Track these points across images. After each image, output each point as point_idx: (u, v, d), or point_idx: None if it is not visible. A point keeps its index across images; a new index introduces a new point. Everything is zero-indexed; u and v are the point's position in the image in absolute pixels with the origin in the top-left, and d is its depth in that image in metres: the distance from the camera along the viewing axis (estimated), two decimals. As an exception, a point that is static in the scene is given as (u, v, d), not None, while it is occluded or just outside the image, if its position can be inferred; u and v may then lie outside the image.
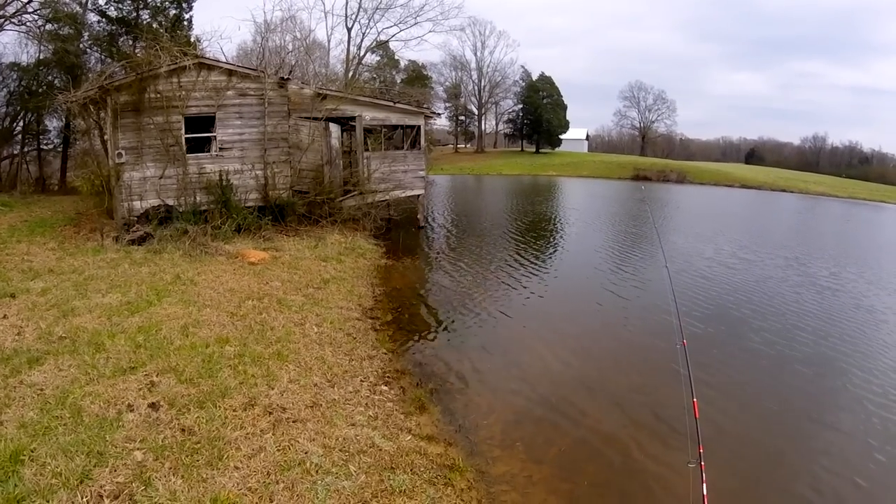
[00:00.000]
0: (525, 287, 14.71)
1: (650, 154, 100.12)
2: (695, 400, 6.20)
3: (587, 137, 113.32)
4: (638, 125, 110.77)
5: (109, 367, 7.03)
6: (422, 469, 6.50)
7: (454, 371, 9.50)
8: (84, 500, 4.70)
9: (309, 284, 11.90)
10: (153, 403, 6.23)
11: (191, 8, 32.44)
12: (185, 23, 31.90)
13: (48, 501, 4.64)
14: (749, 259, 20.41)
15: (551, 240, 22.90)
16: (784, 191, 59.61)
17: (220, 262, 11.90)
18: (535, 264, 17.42)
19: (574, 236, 23.97)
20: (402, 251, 17.33)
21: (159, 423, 5.91)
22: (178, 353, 7.44)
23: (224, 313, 9.26)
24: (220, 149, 16.86)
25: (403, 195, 21.78)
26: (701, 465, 5.56)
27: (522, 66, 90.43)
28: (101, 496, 4.76)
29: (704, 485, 5.39)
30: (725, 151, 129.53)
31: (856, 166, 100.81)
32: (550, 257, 19.08)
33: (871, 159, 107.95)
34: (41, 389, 6.46)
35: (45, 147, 33.70)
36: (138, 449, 5.45)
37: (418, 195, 22.37)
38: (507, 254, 18.64)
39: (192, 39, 27.71)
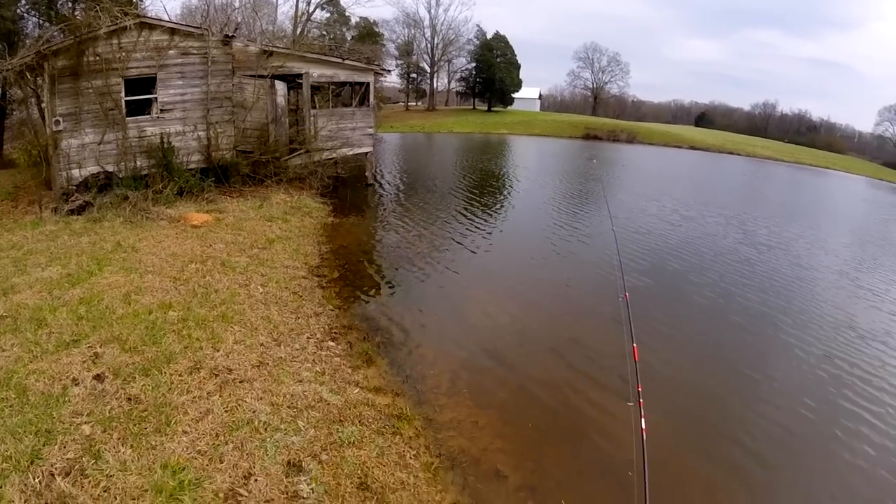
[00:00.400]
0: (472, 242, 14.85)
1: (602, 114, 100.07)
2: (634, 345, 6.47)
3: (540, 97, 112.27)
4: (591, 86, 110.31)
5: (52, 342, 6.91)
6: (370, 420, 6.62)
7: (401, 324, 9.62)
8: (36, 480, 4.69)
9: (254, 245, 11.76)
10: (98, 375, 6.17)
11: (133, -34, 30.84)
12: (126, -19, 30.34)
13: (0, 486, 4.60)
14: (691, 217, 21.01)
15: (500, 197, 23.00)
16: (732, 153, 60.90)
17: (161, 227, 11.62)
18: (483, 220, 17.54)
19: (522, 193, 24.14)
20: (349, 209, 17.19)
21: (105, 395, 5.86)
22: (121, 322, 7.33)
23: (167, 278, 9.10)
24: (162, 111, 16.23)
25: (351, 153, 21.43)
26: (640, 402, 5.84)
27: (477, 25, 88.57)
28: (53, 475, 4.74)
29: (644, 419, 5.66)
30: (676, 114, 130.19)
31: (804, 133, 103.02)
32: (498, 214, 19.22)
33: (819, 128, 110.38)
34: (-16, 372, 6.32)
35: (-21, 118, 32.09)
36: (86, 423, 5.41)
37: (366, 153, 22.04)
38: (456, 210, 18.68)
39: (133, -1, 26.46)
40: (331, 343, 8.44)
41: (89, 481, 4.73)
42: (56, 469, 4.79)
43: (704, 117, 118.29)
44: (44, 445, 5.08)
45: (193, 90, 16.72)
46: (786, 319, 11.59)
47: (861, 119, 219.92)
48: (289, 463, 5.56)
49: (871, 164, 78.56)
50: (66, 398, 5.78)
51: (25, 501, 4.49)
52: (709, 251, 16.14)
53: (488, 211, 19.14)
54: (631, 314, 7.30)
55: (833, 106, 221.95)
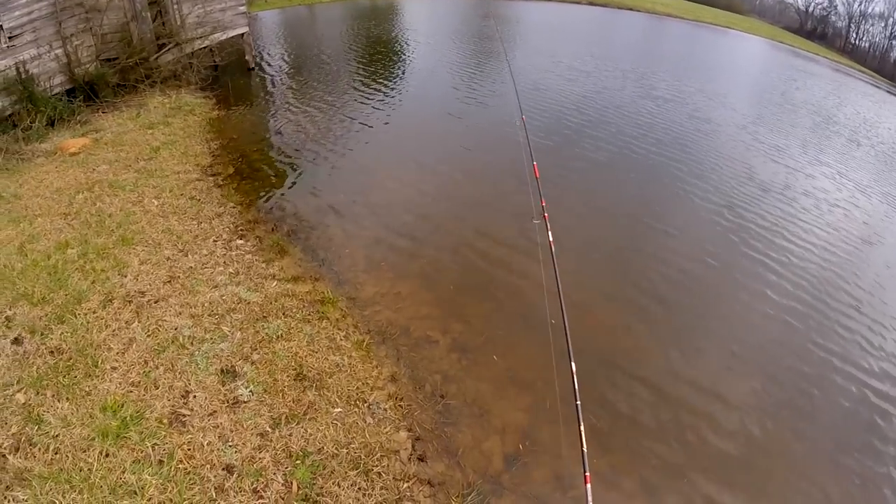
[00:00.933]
0: (368, 118, 14.49)
1: None
2: (535, 163, 6.69)
3: None
4: None
5: (-43, 313, 6.59)
6: (294, 310, 6.80)
7: (307, 210, 9.61)
8: (-13, 464, 4.62)
9: (139, 158, 11.17)
10: (16, 338, 5.98)
11: None
12: None
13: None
14: (589, 72, 20.87)
15: (394, 66, 21.87)
16: (631, 9, 58.12)
17: (39, 165, 10.80)
18: (379, 94, 16.92)
19: (417, 59, 23.04)
20: (234, 99, 16.26)
21: (28, 356, 5.74)
22: (23, 276, 7.03)
23: (57, 216, 8.63)
24: (10, 38, 14.52)
25: (225, 37, 19.67)
26: (545, 216, 6.15)
27: None
28: (4, 455, 4.66)
29: (550, 233, 6.00)
30: None
31: None
32: (394, 84, 18.45)
33: None
34: None
35: None
36: (18, 391, 5.32)
37: (242, 34, 20.35)
38: (348, 86, 17.82)
39: None
40: (239, 241, 8.42)
41: (38, 448, 4.72)
42: (5, 448, 4.73)
43: None
44: (-17, 426, 4.99)
45: (40, 4, 14.83)
46: (685, 170, 12.03)
47: None
48: (222, 371, 5.74)
49: (770, 27, 77.43)
50: (-11, 369, 5.63)
51: None
52: (608, 105, 16.25)
53: (383, 82, 18.40)
54: (529, 136, 7.48)
55: None
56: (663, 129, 14.80)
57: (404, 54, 24.78)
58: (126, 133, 12.56)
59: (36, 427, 4.93)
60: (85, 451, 4.73)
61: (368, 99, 16.32)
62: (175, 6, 17.99)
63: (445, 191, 10.53)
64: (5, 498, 4.33)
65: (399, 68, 21.50)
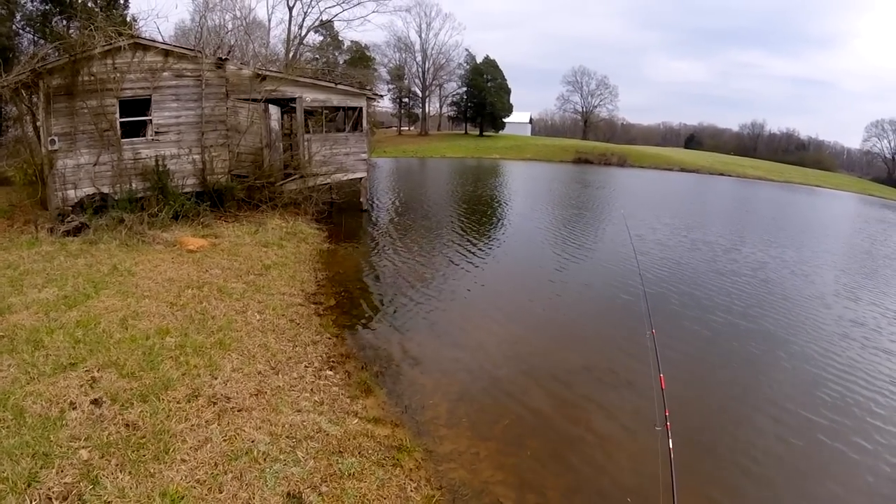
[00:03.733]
0: (469, 269, 14.95)
1: (592, 138, 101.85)
2: (662, 375, 6.55)
3: (531, 121, 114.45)
4: (580, 109, 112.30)
5: (49, 364, 6.91)
6: (370, 451, 6.61)
7: (399, 353, 9.63)
8: (33, 503, 4.68)
9: (250, 271, 11.81)
10: (96, 400, 6.17)
11: (126, -15, 31.20)
12: (121, 1, 30.71)
13: (-5, 508, 4.59)
14: (695, 242, 21.02)
15: (495, 222, 23.15)
16: (722, 174, 61.71)
17: (158, 251, 11.67)
18: (480, 247, 17.63)
19: (518, 218, 24.29)
20: (344, 235, 17.26)
21: (103, 420, 5.86)
22: (119, 346, 7.36)
23: (164, 303, 9.13)
24: (156, 133, 16.39)
25: (346, 178, 21.63)
26: (667, 425, 5.90)
27: (467, 49, 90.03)
28: (50, 498, 4.73)
29: (670, 440, 5.71)
30: (666, 136, 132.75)
31: (793, 152, 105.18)
32: (495, 240, 19.30)
33: (807, 146, 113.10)
34: (-19, 392, 6.32)
35: (-26, 135, 32.20)
36: (83, 447, 5.41)
37: (361, 178, 22.25)
38: (452, 236, 18.79)
39: (127, 19, 26.72)
40: (329, 372, 8.45)
41: None
42: (54, 493, 4.78)
43: (694, 139, 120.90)
44: (41, 468, 5.07)
45: (188, 113, 16.90)
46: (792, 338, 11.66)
47: (848, 135, 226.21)
48: (289, 494, 5.54)
49: (858, 181, 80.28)
50: (64, 422, 5.78)
51: None
52: (712, 272, 16.23)
53: (485, 237, 19.25)
54: (657, 347, 7.35)
55: (820, 123, 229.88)
56: (774, 300, 14.32)
57: (507, 213, 25.92)
58: (242, 245, 13.37)
59: (91, 486, 4.92)
60: (133, 528, 4.60)
61: (471, 252, 16.88)
62: (306, 143, 19.97)
63: (538, 356, 10.32)
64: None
65: (498, 225, 22.44)
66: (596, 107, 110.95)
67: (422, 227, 19.79)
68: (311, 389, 7.76)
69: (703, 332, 11.65)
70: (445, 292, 12.94)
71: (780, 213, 35.22)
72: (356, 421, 7.26)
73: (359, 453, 6.53)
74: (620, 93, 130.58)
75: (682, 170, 62.79)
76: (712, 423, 8.32)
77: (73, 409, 6.03)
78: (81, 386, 6.48)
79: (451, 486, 6.48)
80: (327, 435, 6.70)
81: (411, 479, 6.34)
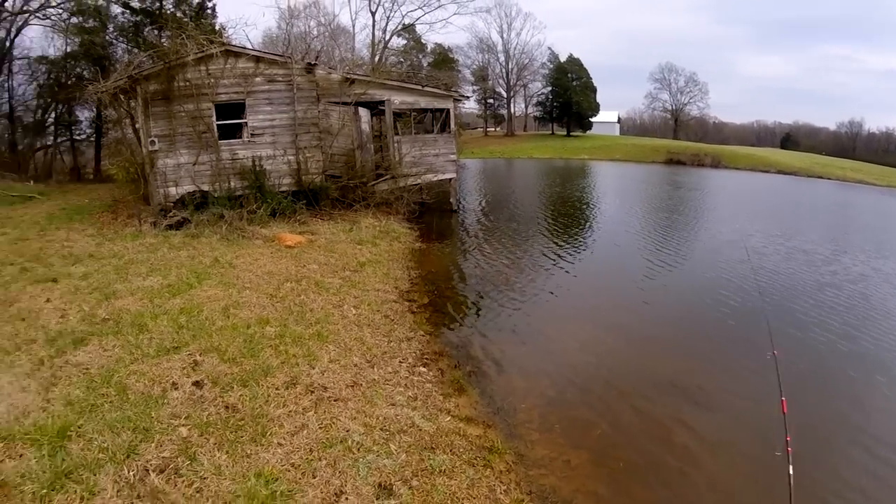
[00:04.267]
0: (563, 270, 14.57)
1: (683, 137, 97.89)
2: (784, 399, 6.10)
3: (619, 120, 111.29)
4: (670, 108, 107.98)
5: (153, 347, 7.14)
6: (461, 450, 6.48)
7: (492, 353, 9.45)
8: (131, 473, 4.79)
9: (345, 267, 11.95)
10: (197, 382, 6.33)
11: (213, -5, 32.62)
12: (209, 11, 32.12)
13: (95, 475, 4.73)
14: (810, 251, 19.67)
15: (584, 224, 22.61)
16: (820, 177, 58.06)
17: (257, 246, 12.04)
18: (572, 248, 17.22)
19: (609, 220, 23.57)
20: (435, 235, 17.32)
21: (203, 401, 5.99)
22: (220, 333, 7.55)
23: (263, 295, 9.35)
24: (252, 135, 16.99)
25: (435, 179, 21.70)
26: (788, 450, 5.48)
27: (549, 48, 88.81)
28: (147, 470, 4.85)
29: (791, 466, 5.29)
30: (760, 136, 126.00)
31: (893, 153, 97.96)
32: (585, 242, 18.78)
33: None
34: (87, 369, 6.59)
35: (77, 137, 34.50)
36: (183, 425, 5.53)
37: (450, 179, 22.26)
38: (541, 237, 18.47)
39: (216, 27, 27.94)
40: (422, 369, 8.37)
41: (183, 481, 4.82)
42: (151, 465, 4.91)
43: (790, 138, 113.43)
44: (141, 442, 5.22)
45: (281, 116, 17.43)
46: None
47: None
48: (380, 485, 5.47)
49: None
50: (165, 400, 5.94)
51: (118, 492, 4.60)
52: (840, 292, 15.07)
53: (576, 241, 18.72)
54: (780, 370, 6.86)
55: None
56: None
57: (592, 215, 25.24)
58: (338, 243, 13.60)
59: (188, 462, 5.03)
60: (225, 504, 4.67)
61: (563, 253, 16.47)
62: (396, 144, 20.12)
63: (634, 366, 9.81)
64: (132, 504, 4.41)
65: (587, 228, 21.83)
66: (686, 105, 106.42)
67: (511, 228, 19.60)
68: (405, 385, 7.70)
69: (817, 351, 10.84)
70: (536, 295, 12.64)
71: (885, 221, 32.79)
72: (448, 419, 7.14)
73: (450, 451, 6.41)
74: (711, 90, 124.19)
75: (780, 172, 59.46)
76: (833, 451, 7.69)
77: (175, 389, 6.18)
78: (184, 368, 6.65)
79: (540, 492, 6.26)
80: (420, 430, 6.61)
81: (501, 482, 6.16)
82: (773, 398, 6.30)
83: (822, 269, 16.46)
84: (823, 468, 7.04)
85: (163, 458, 5.03)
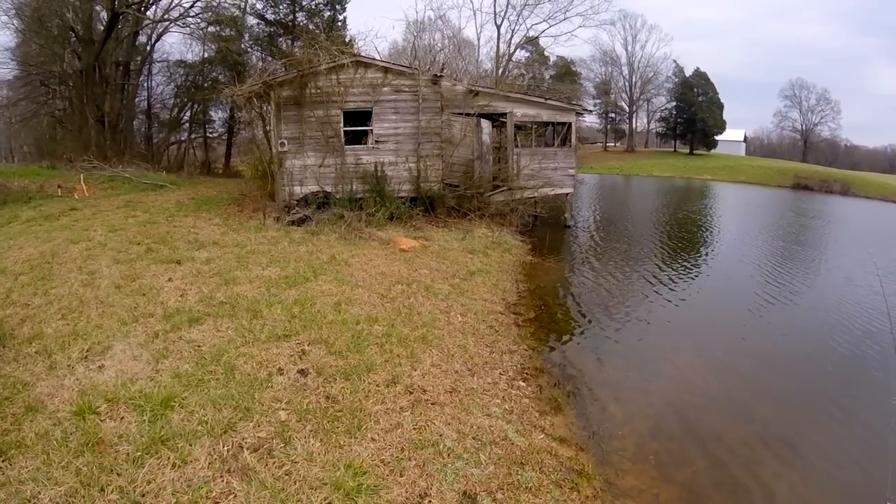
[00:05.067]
0: (672, 299, 13.91)
1: (812, 160, 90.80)
2: None
3: (745, 139, 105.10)
4: (800, 128, 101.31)
5: (265, 332, 7.45)
6: (550, 469, 6.33)
7: (593, 375, 9.18)
8: (225, 448, 5.01)
9: (455, 275, 12.04)
10: (302, 370, 6.55)
11: (344, 9, 34.31)
12: (340, 23, 33.68)
13: (191, 445, 4.98)
14: None
15: (705, 250, 21.54)
16: None
17: (372, 247, 12.41)
18: (686, 275, 16.43)
19: (728, 248, 22.37)
20: (547, 249, 17.09)
21: (306, 389, 6.19)
22: (330, 326, 7.84)
23: (374, 294, 9.61)
24: (376, 142, 17.59)
25: (552, 193, 21.47)
26: None
27: (675, 62, 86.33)
28: (242, 447, 5.05)
29: None
30: (894, 162, 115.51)
31: None
32: (703, 269, 17.81)
33: None
34: (198, 346, 6.98)
35: (210, 135, 37.21)
36: (283, 409, 5.73)
37: (566, 194, 21.96)
38: (656, 261, 17.73)
39: (347, 39, 29.15)
40: (521, 383, 8.26)
41: (274, 462, 4.97)
42: (246, 443, 5.11)
43: None
44: (240, 420, 5.44)
45: (405, 125, 17.91)
46: None
47: None
48: (464, 493, 5.42)
49: None
50: (270, 384, 6.18)
51: (209, 464, 4.80)
52: None
53: (691, 265, 17.86)
54: None
55: None
56: None
57: (708, 239, 24.04)
58: (450, 250, 13.76)
59: (283, 445, 5.20)
60: (312, 490, 4.78)
61: (669, 277, 15.73)
62: (515, 156, 20.09)
63: (745, 401, 9.28)
64: (222, 478, 4.63)
65: (701, 252, 20.76)
66: (816, 125, 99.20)
67: (624, 248, 19.07)
68: (503, 397, 7.61)
69: None
70: (644, 320, 12.16)
71: None
72: (542, 436, 7.00)
73: (539, 469, 6.27)
74: (843, 109, 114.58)
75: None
76: None
77: (280, 374, 6.42)
78: (291, 356, 6.90)
79: (624, 522, 6.03)
80: (512, 444, 6.51)
81: (586, 507, 5.98)
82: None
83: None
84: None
85: (259, 437, 5.22)
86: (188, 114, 35.87)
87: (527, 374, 8.60)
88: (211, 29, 31.68)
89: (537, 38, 54.59)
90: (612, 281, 14.77)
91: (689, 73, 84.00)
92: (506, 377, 8.21)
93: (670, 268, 16.96)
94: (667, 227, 24.83)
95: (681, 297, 14.02)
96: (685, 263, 17.97)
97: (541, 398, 7.97)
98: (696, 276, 16.67)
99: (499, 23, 49.79)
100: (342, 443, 5.46)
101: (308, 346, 7.10)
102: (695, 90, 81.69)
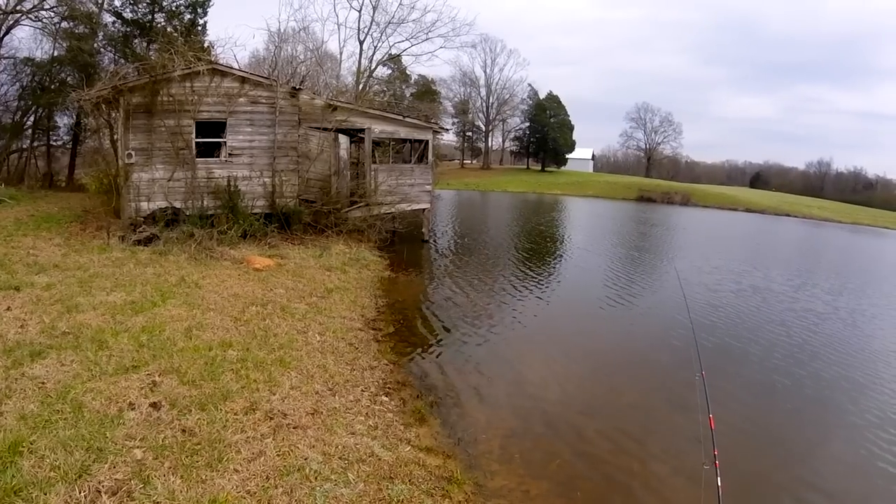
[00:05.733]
0: (527, 305, 14.73)
1: (655, 175, 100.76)
2: (711, 416, 6.27)
3: (593, 157, 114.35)
4: (644, 146, 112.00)
5: (112, 364, 7.04)
6: (420, 480, 6.48)
7: (455, 384, 9.49)
8: (82, 494, 4.70)
9: (313, 293, 11.94)
10: (155, 403, 6.24)
11: (206, 13, 32.80)
12: (200, 28, 32.23)
13: (46, 494, 4.64)
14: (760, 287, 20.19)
15: (555, 258, 22.97)
16: (788, 215, 60.07)
17: (225, 267, 12.00)
18: (539, 282, 17.43)
19: (578, 256, 23.96)
20: (406, 264, 17.42)
21: (160, 423, 5.92)
22: (181, 354, 7.50)
23: (228, 318, 9.30)
24: (230, 154, 16.99)
25: (409, 208, 21.87)
26: (716, 464, 5.62)
27: (530, 85, 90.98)
28: (100, 492, 4.76)
29: (719, 479, 5.42)
30: (731, 174, 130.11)
31: (860, 192, 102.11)
32: (553, 277, 19.06)
33: (875, 185, 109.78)
34: (42, 383, 6.47)
35: (54, 143, 34.10)
36: (138, 447, 5.45)
37: (424, 209, 22.47)
38: (511, 270, 18.67)
39: (205, 45, 27.97)
40: (384, 398, 8.37)
41: None
42: (103, 487, 4.83)
43: (759, 178, 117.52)
44: (94, 462, 5.13)
45: (261, 138, 17.48)
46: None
47: None
48: (337, 514, 5.45)
49: None
50: (121, 420, 5.85)
51: None
52: (773, 323, 15.49)
53: (544, 273, 19.02)
54: (707, 390, 7.06)
55: (887, 159, 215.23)
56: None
57: (566, 251, 25.71)
58: (307, 268, 13.60)
59: (142, 485, 4.95)
60: (179, 531, 4.58)
61: (529, 287, 16.67)
62: (373, 172, 20.27)
63: (590, 395, 9.97)
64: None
65: (555, 262, 22.20)
66: (659, 143, 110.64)
67: (482, 260, 19.89)
68: (367, 413, 7.69)
69: (747, 378, 11.17)
70: (502, 327, 12.79)
71: (844, 257, 33.67)
72: (408, 448, 7.15)
73: (409, 481, 6.40)
74: (686, 130, 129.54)
75: (748, 210, 61.42)
76: (760, 465, 7.92)
77: (132, 409, 6.09)
78: (142, 388, 6.56)
79: (498, 523, 6.30)
80: (379, 460, 6.60)
81: (459, 512, 6.18)
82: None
83: (775, 306, 16.94)
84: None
85: (116, 479, 4.95)
86: (32, 118, 32.72)
87: (389, 388, 8.74)
88: (64, 24, 29.27)
89: (399, 55, 55.05)
90: (471, 292, 15.31)
91: (542, 95, 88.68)
92: (368, 393, 8.28)
93: (526, 277, 17.87)
94: (522, 239, 26.06)
95: (536, 304, 14.87)
96: (541, 272, 19.00)
97: (405, 411, 8.13)
98: (553, 283, 17.71)
99: (362, 38, 49.62)
100: (204, 477, 5.29)
101: (159, 376, 6.78)
102: (547, 112, 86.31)
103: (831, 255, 34.45)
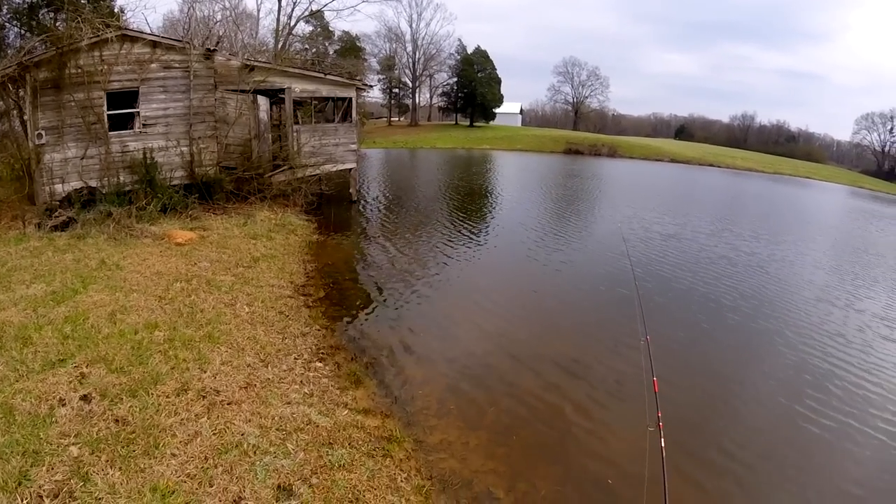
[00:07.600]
0: (459, 260, 14.99)
1: (583, 129, 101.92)
2: (655, 378, 6.60)
3: (521, 112, 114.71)
4: (571, 100, 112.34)
5: (38, 361, 6.90)
6: (360, 442, 6.64)
7: (389, 344, 9.68)
8: (24, 502, 4.70)
9: (238, 263, 11.83)
10: (85, 395, 6.20)
11: (115, -23, 30.85)
12: (111, -7, 30.36)
13: (-14, 508, 4.60)
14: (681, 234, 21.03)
15: (485, 213, 23.28)
16: (712, 165, 62.51)
17: (146, 245, 11.70)
18: (469, 238, 17.69)
19: (507, 209, 24.44)
20: (334, 226, 17.36)
21: (93, 416, 5.90)
22: (107, 341, 7.40)
23: (152, 297, 9.16)
24: (144, 125, 16.25)
25: (335, 169, 21.62)
26: (660, 424, 5.94)
27: (459, 40, 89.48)
28: (41, 496, 4.75)
29: (662, 440, 5.76)
30: (656, 127, 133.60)
31: (783, 144, 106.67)
32: (485, 231, 19.39)
33: (797, 138, 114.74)
34: (-32, 389, 6.31)
35: (-41, 130, 31.88)
36: (74, 444, 5.44)
37: (350, 169, 22.25)
38: (442, 227, 18.88)
39: (115, 10, 26.47)
40: (318, 364, 8.48)
41: None
42: (45, 491, 4.80)
43: (684, 130, 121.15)
44: (31, 466, 5.08)
45: (176, 105, 16.77)
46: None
47: (839, 128, 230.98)
48: (279, 487, 5.57)
49: (849, 173, 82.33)
50: (53, 419, 5.79)
51: None
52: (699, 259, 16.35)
53: (474, 228, 19.33)
54: (651, 354, 7.44)
55: (811, 116, 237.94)
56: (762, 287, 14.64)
57: (496, 204, 26.27)
58: (231, 238, 13.39)
59: (81, 483, 4.96)
60: (124, 524, 4.65)
61: (460, 243, 17.01)
62: (294, 133, 19.91)
63: (527, 348, 10.33)
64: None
65: (487, 216, 22.68)
66: (587, 97, 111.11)
67: (412, 218, 20.03)
68: (301, 381, 7.79)
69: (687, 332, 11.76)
70: (435, 283, 13.00)
71: (767, 206, 35.24)
72: (346, 412, 7.29)
73: (349, 444, 6.56)
74: (613, 86, 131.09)
75: (672, 161, 63.43)
76: (700, 419, 8.41)
77: (63, 405, 6.04)
78: (70, 382, 6.49)
79: (441, 475, 6.52)
80: (317, 427, 6.73)
81: (401, 470, 6.38)
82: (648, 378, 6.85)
83: (697, 255, 17.82)
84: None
85: (55, 482, 4.94)
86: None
87: (322, 354, 8.85)
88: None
89: (320, 11, 53.10)
90: (403, 251, 15.48)
91: (470, 50, 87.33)
92: (301, 361, 8.38)
93: (460, 232, 18.11)
94: (453, 195, 26.40)
95: (468, 260, 15.14)
96: (474, 226, 19.34)
97: (340, 375, 8.27)
98: (486, 237, 18.11)
99: (280, -7, 47.73)
100: (142, 466, 5.34)
101: (86, 367, 6.70)
102: (475, 67, 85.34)
103: (754, 203, 36.07)
